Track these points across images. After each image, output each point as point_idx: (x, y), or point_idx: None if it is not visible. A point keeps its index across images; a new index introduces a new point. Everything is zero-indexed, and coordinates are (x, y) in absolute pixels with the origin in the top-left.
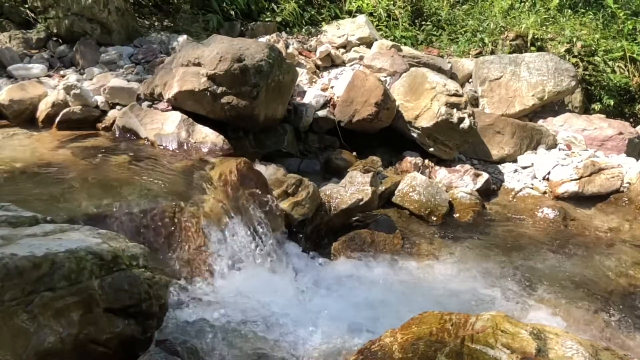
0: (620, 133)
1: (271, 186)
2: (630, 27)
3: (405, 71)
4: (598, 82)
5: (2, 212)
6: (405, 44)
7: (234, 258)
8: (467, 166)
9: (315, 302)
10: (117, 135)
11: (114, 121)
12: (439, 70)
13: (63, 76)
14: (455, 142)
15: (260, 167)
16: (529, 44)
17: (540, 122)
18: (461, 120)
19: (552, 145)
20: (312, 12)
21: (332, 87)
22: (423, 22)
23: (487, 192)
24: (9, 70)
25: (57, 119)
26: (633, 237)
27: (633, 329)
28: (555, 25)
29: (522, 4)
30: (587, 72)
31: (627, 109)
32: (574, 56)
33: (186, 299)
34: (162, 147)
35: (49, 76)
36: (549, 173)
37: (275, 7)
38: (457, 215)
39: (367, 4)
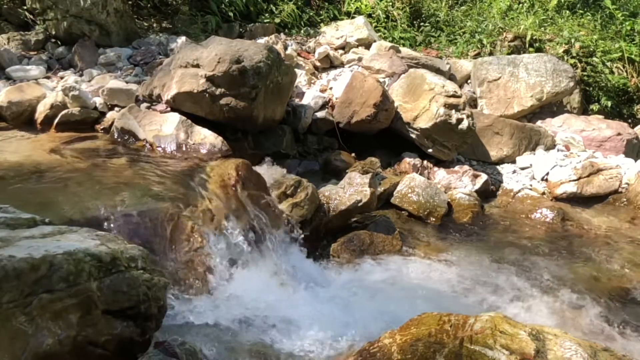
0: (619, 134)
1: (270, 187)
2: (629, 28)
3: (404, 72)
4: (596, 83)
5: (1, 213)
6: (403, 45)
7: (232, 259)
8: (466, 167)
9: (314, 304)
10: (115, 137)
11: (112, 122)
12: (438, 71)
13: (61, 78)
14: (454, 143)
15: (259, 168)
16: (527, 45)
17: (539, 123)
18: (460, 121)
19: (551, 146)
20: (311, 14)
21: (330, 89)
22: (422, 24)
23: (486, 193)
24: (8, 72)
25: (56, 121)
26: (632, 237)
27: (632, 330)
28: (554, 26)
29: (521, 5)
30: (585, 73)
31: (626, 109)
32: (573, 57)
33: (185, 300)
34: (160, 149)
35: (48, 78)
36: (547, 174)
37: (273, 8)
38: (456, 216)
39: (366, 5)
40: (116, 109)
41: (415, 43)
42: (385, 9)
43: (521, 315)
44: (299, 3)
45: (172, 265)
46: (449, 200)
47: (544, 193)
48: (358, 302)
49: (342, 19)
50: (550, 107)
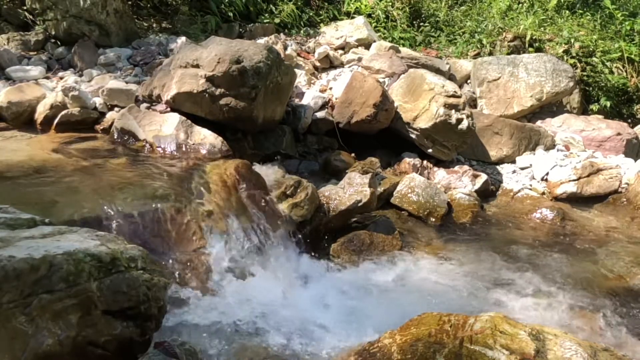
0: (619, 134)
1: (270, 187)
2: (628, 27)
3: (404, 72)
4: (596, 83)
5: (1, 214)
6: (403, 45)
7: (233, 260)
8: (466, 167)
9: (314, 304)
10: (115, 137)
11: (112, 123)
12: (437, 71)
13: (61, 78)
14: (453, 143)
15: (259, 169)
16: (527, 45)
17: (539, 122)
18: (459, 121)
19: (551, 146)
20: (311, 14)
21: (330, 89)
22: (421, 24)
23: (486, 193)
24: (7, 72)
25: (56, 121)
26: (632, 237)
27: (632, 329)
28: (553, 26)
29: (520, 5)
30: (585, 73)
31: (625, 109)
32: (572, 57)
33: (185, 300)
34: (160, 149)
35: (47, 78)
36: (547, 174)
37: (273, 8)
38: (456, 216)
39: (366, 6)
40: (116, 109)
41: (415, 43)
42: (385, 9)
43: (521, 314)
44: (299, 3)
45: (173, 265)
46: (449, 200)
47: (543, 193)
48: (358, 302)
49: (341, 19)
50: (550, 107)
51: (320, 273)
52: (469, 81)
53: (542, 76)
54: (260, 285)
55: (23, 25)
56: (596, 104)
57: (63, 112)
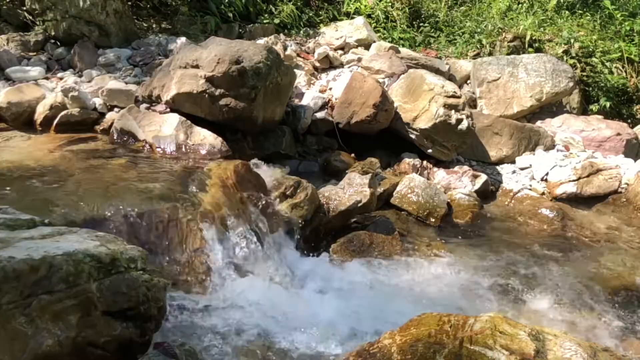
0: (618, 134)
1: (270, 188)
2: (628, 28)
3: (404, 73)
4: (596, 83)
5: (0, 214)
6: (403, 45)
7: (232, 260)
8: (466, 167)
9: (314, 305)
10: (115, 138)
11: (112, 123)
12: (437, 71)
13: (61, 78)
14: (453, 144)
15: (258, 169)
16: (526, 45)
17: (539, 123)
18: (459, 121)
19: (550, 146)
20: (310, 14)
21: (330, 89)
22: (421, 24)
23: (486, 194)
24: (7, 73)
25: (55, 122)
26: (631, 237)
27: (632, 330)
28: (553, 26)
29: (520, 5)
30: (584, 73)
31: (625, 109)
32: (572, 57)
33: (184, 301)
34: (160, 149)
35: (47, 79)
36: (547, 174)
37: (273, 9)
38: (456, 216)
39: (365, 6)
40: (115, 109)
41: (415, 43)
42: (385, 9)
43: (521, 315)
44: (299, 4)
45: (172, 266)
46: (449, 200)
47: (543, 193)
48: (357, 303)
49: (341, 20)
50: (549, 108)
51: (319, 273)
52: (468, 81)
53: (541, 76)
54: (259, 285)
55: (23, 26)
56: (596, 104)
57: (63, 113)
